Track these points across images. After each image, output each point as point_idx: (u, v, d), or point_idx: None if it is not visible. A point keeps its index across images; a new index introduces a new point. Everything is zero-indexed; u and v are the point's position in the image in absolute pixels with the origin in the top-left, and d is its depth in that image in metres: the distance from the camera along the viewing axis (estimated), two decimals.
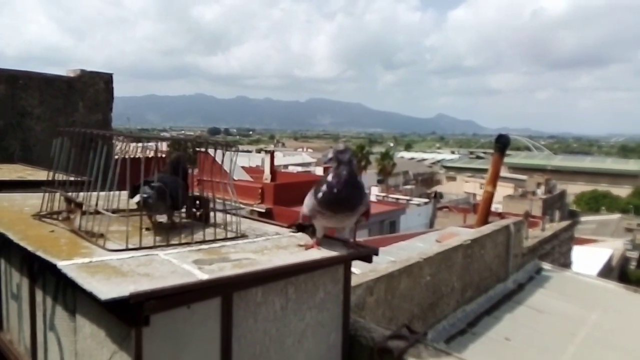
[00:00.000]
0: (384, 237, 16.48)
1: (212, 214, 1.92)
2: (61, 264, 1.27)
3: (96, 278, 1.18)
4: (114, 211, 1.60)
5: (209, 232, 1.74)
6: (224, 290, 1.33)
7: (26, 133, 5.55)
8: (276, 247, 1.66)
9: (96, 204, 1.57)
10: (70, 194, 1.75)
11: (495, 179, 8.49)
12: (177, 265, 1.35)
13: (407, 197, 30.31)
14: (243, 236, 1.77)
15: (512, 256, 6.69)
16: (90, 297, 1.11)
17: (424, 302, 4.75)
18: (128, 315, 1.14)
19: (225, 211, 1.82)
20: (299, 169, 41.33)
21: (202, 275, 1.27)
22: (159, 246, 1.54)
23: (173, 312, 1.23)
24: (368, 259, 1.69)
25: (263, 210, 19.76)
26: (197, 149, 1.88)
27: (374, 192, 31.52)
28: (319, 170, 38.40)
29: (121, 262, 1.34)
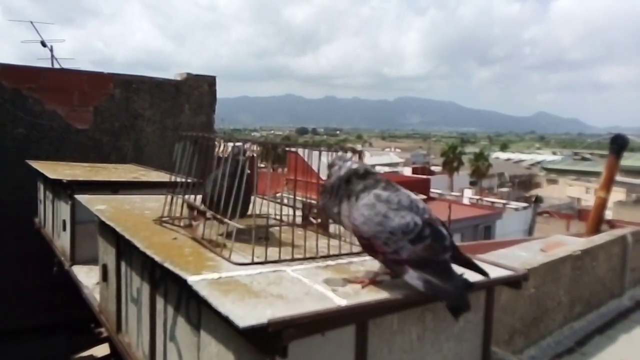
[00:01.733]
0: (479, 243, 15.64)
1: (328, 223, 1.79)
2: (191, 279, 1.18)
3: (230, 298, 1.08)
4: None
5: (331, 244, 1.60)
6: (362, 317, 1.18)
7: (138, 134, 5.88)
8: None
9: (222, 213, 1.49)
10: (191, 198, 1.70)
11: (609, 183, 7.68)
12: (309, 285, 1.22)
13: (504, 201, 28.65)
14: None
15: (628, 270, 6.02)
16: (224, 319, 1.01)
17: (526, 316, 4.40)
18: (264, 343, 1.02)
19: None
20: (386, 169, 40.83)
21: (339, 301, 1.13)
22: (284, 260, 1.43)
23: (307, 340, 1.10)
24: (517, 285, 1.46)
25: None
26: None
27: (467, 195, 30.20)
28: (407, 171, 37.64)
29: (251, 279, 1.23)
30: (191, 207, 1.66)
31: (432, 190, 26.30)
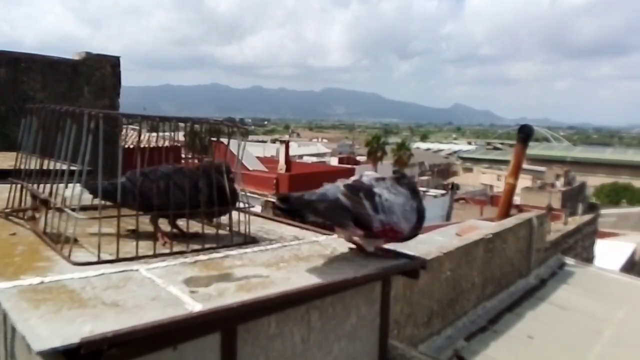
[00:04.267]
0: None
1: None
2: None
3: (41, 311, 0.83)
4: (87, 209, 1.24)
5: (211, 236, 1.37)
6: (225, 323, 0.97)
7: None
8: (295, 258, 1.29)
9: (62, 199, 1.21)
10: (38, 186, 1.40)
11: (517, 170, 8.10)
12: (161, 287, 0.99)
13: (424, 189, 29.72)
14: (253, 241, 1.41)
15: (534, 251, 6.37)
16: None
17: (443, 298, 4.50)
18: None
19: (231, 209, 1.45)
20: (314, 159, 40.92)
21: (193, 305, 0.91)
22: (143, 257, 1.18)
23: (153, 357, 0.87)
24: (414, 274, 1.32)
25: None
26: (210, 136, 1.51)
27: None
28: (333, 161, 38.00)
29: (84, 283, 0.98)
30: (34, 196, 1.36)
31: None
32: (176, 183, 1.29)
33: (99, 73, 5.86)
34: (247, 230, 1.41)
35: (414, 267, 1.30)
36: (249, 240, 1.40)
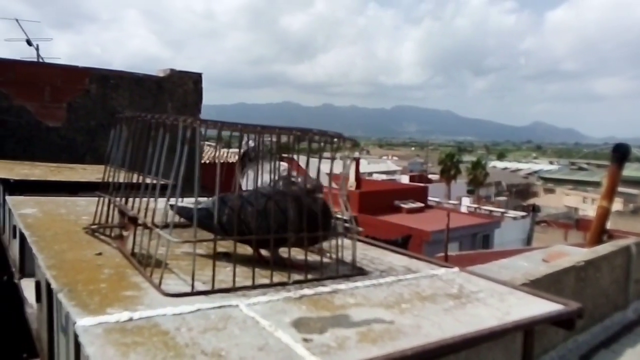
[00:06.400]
0: (478, 252, 15.18)
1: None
2: (82, 323, 0.77)
3: None
4: (177, 226, 1.09)
5: (313, 265, 1.18)
6: None
7: None
8: (418, 296, 1.06)
9: (152, 217, 1.07)
10: (127, 202, 1.28)
11: (611, 193, 7.40)
12: (268, 331, 0.80)
13: (502, 210, 28.22)
14: (361, 273, 1.20)
15: (632, 282, 5.69)
16: None
17: None
18: None
19: (337, 234, 1.25)
20: (384, 177, 40.37)
21: None
22: (241, 288, 1.01)
23: None
24: (569, 325, 1.04)
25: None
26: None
27: (465, 203, 29.76)
28: (404, 179, 37.30)
29: (179, 323, 0.81)
30: (122, 213, 1.24)
31: (430, 198, 25.89)
32: (278, 206, 1.11)
33: (181, 89, 6.01)
34: (354, 258, 1.21)
35: (570, 317, 1.02)
36: (357, 271, 1.19)
